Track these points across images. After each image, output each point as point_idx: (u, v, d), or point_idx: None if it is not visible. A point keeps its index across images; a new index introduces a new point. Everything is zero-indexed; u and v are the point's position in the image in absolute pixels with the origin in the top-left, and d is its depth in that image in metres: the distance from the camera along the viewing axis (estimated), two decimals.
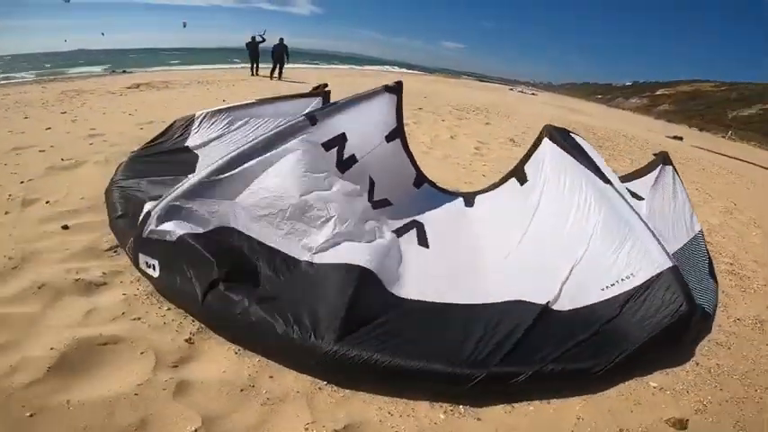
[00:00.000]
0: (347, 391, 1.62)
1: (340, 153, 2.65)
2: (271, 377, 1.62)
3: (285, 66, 13.60)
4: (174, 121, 3.97)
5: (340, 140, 2.65)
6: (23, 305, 1.72)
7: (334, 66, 35.13)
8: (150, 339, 1.65)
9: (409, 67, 68.24)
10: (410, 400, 1.63)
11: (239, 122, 3.83)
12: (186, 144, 3.68)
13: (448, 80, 32.08)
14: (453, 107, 10.96)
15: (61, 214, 2.59)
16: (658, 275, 2.19)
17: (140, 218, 2.03)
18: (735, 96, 51.96)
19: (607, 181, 2.79)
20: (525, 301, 2.11)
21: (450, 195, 3.73)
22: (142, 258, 1.98)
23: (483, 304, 2.11)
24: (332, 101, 3.91)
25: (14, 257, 2.06)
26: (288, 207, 2.26)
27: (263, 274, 1.93)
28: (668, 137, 18.31)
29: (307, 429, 1.43)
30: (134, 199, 2.52)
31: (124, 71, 14.27)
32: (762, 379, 2.17)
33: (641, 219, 2.52)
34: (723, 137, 29.96)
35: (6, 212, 2.59)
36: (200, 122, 3.86)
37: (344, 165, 2.73)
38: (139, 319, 1.76)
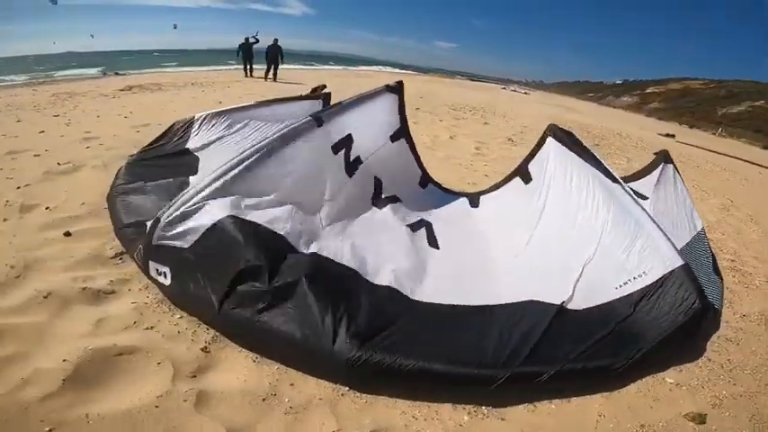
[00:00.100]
0: (369, 396, 1.60)
1: (347, 155, 2.63)
2: (292, 385, 1.59)
3: (279, 67, 13.53)
4: (173, 124, 3.91)
5: (346, 142, 2.63)
6: (30, 315, 1.66)
7: (327, 67, 35.05)
8: (165, 349, 1.61)
9: (402, 67, 68.33)
10: (432, 403, 1.62)
11: (239, 124, 3.79)
12: (186, 146, 3.63)
13: (442, 80, 32.19)
14: (450, 107, 10.97)
15: (62, 220, 2.52)
16: (671, 273, 2.20)
17: (149, 225, 1.98)
18: (724, 94, 52.74)
19: (615, 180, 2.79)
20: (539, 301, 2.11)
21: (455, 196, 3.73)
22: (152, 266, 1.94)
23: (497, 305, 2.10)
24: (332, 102, 3.92)
25: (16, 266, 2.00)
26: (300, 207, 2.22)
27: (280, 280, 1.89)
28: (660, 134, 18.52)
29: None
30: (139, 204, 2.47)
31: (116, 73, 14.11)
32: None
33: (650, 217, 2.53)
34: (714, 134, 30.39)
35: (5, 219, 2.52)
36: (200, 125, 3.81)
37: (351, 167, 2.70)
38: (152, 328, 1.72)
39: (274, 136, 2.38)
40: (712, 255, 3.37)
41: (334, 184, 2.61)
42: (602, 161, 3.03)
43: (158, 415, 1.34)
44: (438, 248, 2.73)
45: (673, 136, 18.66)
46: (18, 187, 3.01)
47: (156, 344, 1.62)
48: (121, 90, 8.79)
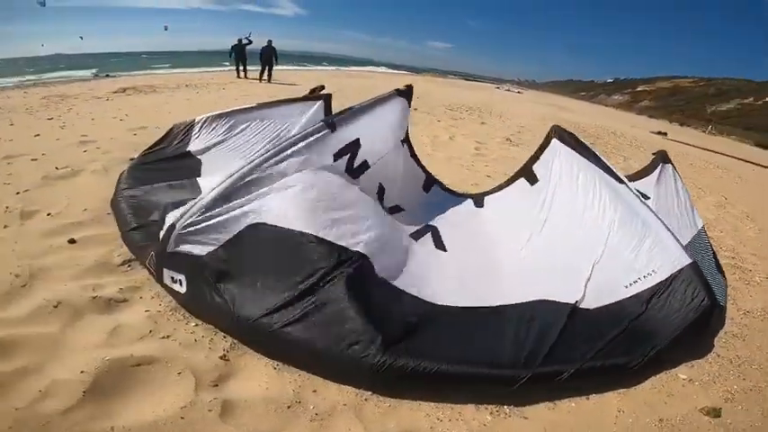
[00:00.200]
0: (392, 400, 1.60)
1: (351, 160, 2.59)
2: (314, 391, 1.58)
3: (274, 68, 13.46)
4: (173, 127, 3.86)
5: (353, 147, 2.60)
6: (40, 325, 1.62)
7: (320, 67, 34.97)
8: (184, 358, 1.58)
9: (395, 67, 68.40)
10: (455, 405, 1.63)
11: (241, 127, 3.75)
12: (188, 149, 3.59)
13: (435, 79, 32.27)
14: (447, 107, 11.01)
15: (65, 227, 2.47)
16: (679, 272, 2.24)
17: (162, 232, 1.95)
18: (713, 92, 53.59)
19: (620, 180, 2.81)
20: (552, 301, 2.12)
21: (459, 197, 3.72)
22: (167, 273, 1.91)
23: (508, 305, 2.11)
24: (331, 103, 3.89)
25: (22, 275, 1.95)
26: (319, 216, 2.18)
27: (298, 285, 1.87)
28: (652, 132, 18.75)
29: None
30: (145, 209, 2.43)
31: (107, 75, 13.94)
32: None
33: (657, 217, 2.56)
34: (704, 131, 30.85)
35: (5, 226, 2.46)
36: (201, 127, 3.76)
37: (356, 171, 2.68)
38: (168, 337, 1.69)
39: (286, 143, 2.36)
40: (713, 252, 3.42)
41: (342, 189, 2.56)
42: (607, 162, 3.06)
43: (184, 426, 1.32)
44: (445, 250, 2.73)
45: (665, 134, 18.92)
46: (17, 193, 2.95)
47: (174, 353, 1.59)
48: (114, 92, 8.68)
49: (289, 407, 1.48)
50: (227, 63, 13.80)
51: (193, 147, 3.61)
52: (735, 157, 13.84)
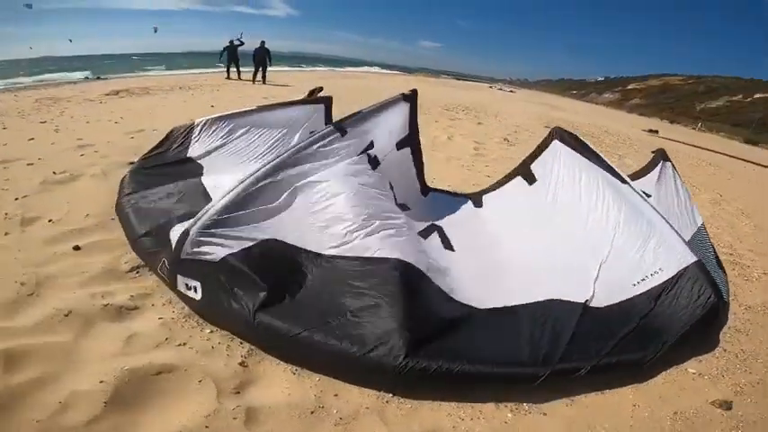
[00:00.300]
0: (413, 401, 1.61)
1: (370, 159, 2.62)
2: (336, 395, 1.57)
3: (268, 69, 13.38)
4: (172, 130, 3.82)
5: (368, 148, 2.62)
6: (52, 334, 1.59)
7: (315, 68, 34.85)
8: (203, 366, 1.56)
9: (388, 67, 68.40)
10: (476, 403, 1.65)
11: (241, 130, 3.72)
12: (188, 155, 3.55)
13: (428, 79, 32.37)
14: (442, 107, 11.04)
15: (68, 233, 2.43)
16: (685, 269, 2.29)
17: (175, 238, 1.93)
18: (702, 89, 54.37)
19: (623, 181, 2.84)
20: (563, 300, 2.15)
21: (458, 197, 3.73)
22: (181, 280, 1.88)
23: (521, 305, 2.13)
24: (331, 106, 3.89)
25: (28, 283, 1.91)
26: (348, 221, 2.18)
27: (315, 290, 1.87)
28: (644, 131, 18.95)
29: None
30: (152, 214, 2.40)
31: (98, 77, 13.75)
32: None
33: (661, 216, 2.59)
34: (694, 128, 31.31)
35: (6, 233, 2.41)
36: (200, 131, 3.72)
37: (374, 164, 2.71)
38: (185, 344, 1.66)
39: (300, 145, 2.35)
40: (714, 249, 3.47)
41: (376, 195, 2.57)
42: (609, 162, 3.09)
43: None
44: (453, 251, 2.73)
45: (656, 132, 19.13)
46: (16, 198, 2.89)
47: (192, 361, 1.57)
48: (107, 95, 8.57)
49: (312, 412, 1.47)
50: (222, 64, 13.67)
51: (194, 151, 3.57)
52: (726, 154, 14.07)
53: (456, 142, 6.72)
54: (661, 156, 4.02)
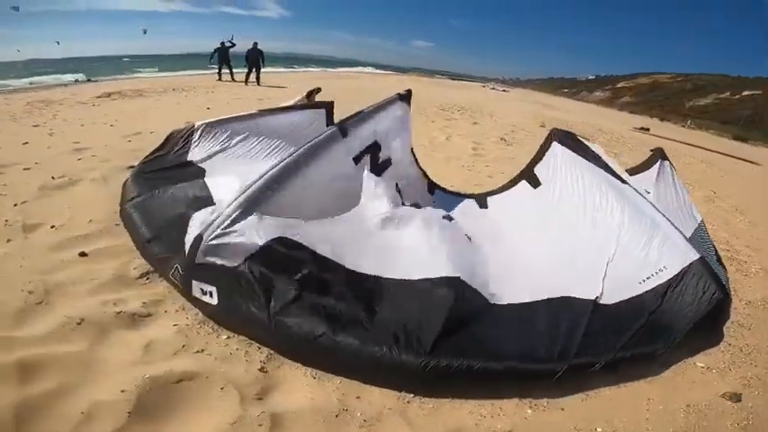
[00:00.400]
0: (434, 400, 1.63)
1: (374, 160, 2.62)
2: (358, 398, 1.58)
3: (261, 70, 13.31)
4: (172, 132, 3.77)
5: (373, 149, 2.62)
6: (66, 344, 1.56)
7: (308, 69, 34.76)
8: (223, 372, 1.55)
9: (382, 67, 68.45)
10: (495, 400, 1.68)
11: (242, 134, 3.69)
12: (189, 158, 3.52)
13: (421, 79, 32.44)
14: (438, 107, 11.08)
15: (73, 240, 2.39)
16: (689, 266, 2.33)
17: (188, 243, 1.91)
18: (690, 87, 55.17)
19: (624, 181, 2.89)
20: (573, 297, 2.19)
21: (462, 198, 3.75)
22: (196, 285, 1.86)
23: (533, 302, 2.16)
24: (333, 111, 3.89)
25: (36, 291, 1.88)
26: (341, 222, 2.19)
27: (335, 289, 1.87)
28: (635, 128, 19.17)
29: None
30: (158, 218, 2.37)
31: (89, 80, 13.55)
32: None
33: (663, 215, 2.64)
34: (683, 126, 31.75)
35: (9, 240, 2.36)
36: (201, 134, 3.68)
37: (379, 170, 2.71)
38: (203, 351, 1.65)
39: (305, 147, 2.35)
40: (713, 246, 3.52)
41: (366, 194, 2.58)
42: (608, 162, 3.13)
43: None
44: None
45: (647, 130, 19.36)
46: (15, 204, 2.84)
47: (212, 367, 1.56)
48: (99, 97, 8.46)
49: (336, 415, 1.47)
50: (214, 66, 13.57)
51: (194, 156, 3.53)
52: (717, 152, 14.29)
53: (454, 142, 6.75)
54: (660, 154, 4.07)
